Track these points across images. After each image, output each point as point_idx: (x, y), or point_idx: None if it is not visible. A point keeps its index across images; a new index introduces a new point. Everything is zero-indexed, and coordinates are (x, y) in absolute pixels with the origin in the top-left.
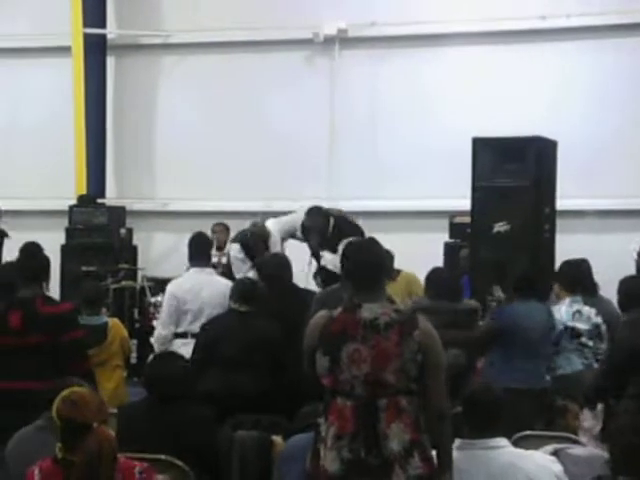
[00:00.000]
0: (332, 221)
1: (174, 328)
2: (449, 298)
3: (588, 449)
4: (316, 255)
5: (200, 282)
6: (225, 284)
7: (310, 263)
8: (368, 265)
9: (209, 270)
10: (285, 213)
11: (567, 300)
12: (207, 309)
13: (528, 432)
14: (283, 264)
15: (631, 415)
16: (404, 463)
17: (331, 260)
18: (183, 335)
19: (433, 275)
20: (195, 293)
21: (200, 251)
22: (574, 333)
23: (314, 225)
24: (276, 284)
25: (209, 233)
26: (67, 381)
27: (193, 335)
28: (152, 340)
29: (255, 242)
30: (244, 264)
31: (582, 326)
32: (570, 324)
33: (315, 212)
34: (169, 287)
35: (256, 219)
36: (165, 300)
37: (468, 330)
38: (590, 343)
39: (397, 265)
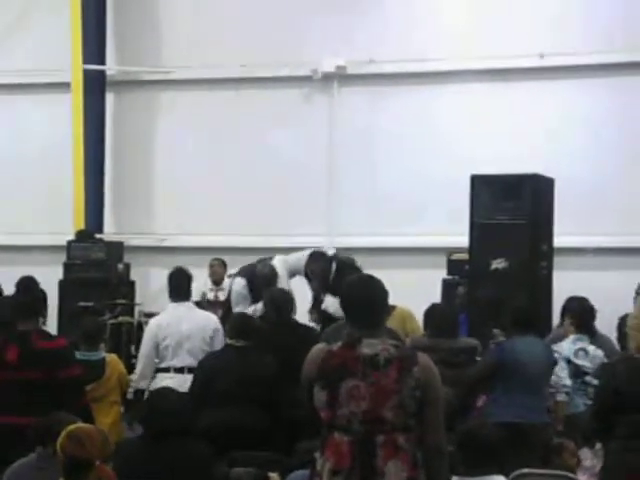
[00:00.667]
0: (334, 265)
1: (151, 367)
2: (447, 334)
3: None
4: (317, 298)
5: (179, 316)
6: (204, 317)
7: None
8: (365, 302)
9: (188, 304)
10: (284, 249)
11: (571, 337)
12: (187, 343)
13: (526, 470)
14: (286, 300)
15: (621, 455)
16: None
17: (332, 303)
18: (165, 370)
19: (430, 311)
20: (174, 328)
21: (179, 286)
22: (578, 371)
23: (316, 269)
24: (277, 319)
25: (206, 268)
26: (60, 416)
27: (176, 370)
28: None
29: (261, 283)
30: (245, 300)
31: (587, 364)
32: (573, 360)
33: (317, 257)
34: (149, 325)
35: (264, 257)
36: (144, 338)
37: (466, 368)
38: (594, 382)
39: (395, 301)
